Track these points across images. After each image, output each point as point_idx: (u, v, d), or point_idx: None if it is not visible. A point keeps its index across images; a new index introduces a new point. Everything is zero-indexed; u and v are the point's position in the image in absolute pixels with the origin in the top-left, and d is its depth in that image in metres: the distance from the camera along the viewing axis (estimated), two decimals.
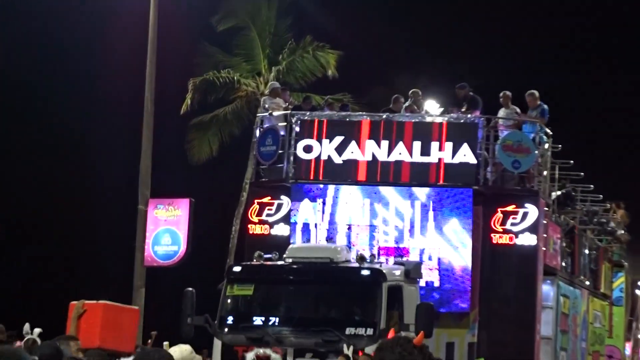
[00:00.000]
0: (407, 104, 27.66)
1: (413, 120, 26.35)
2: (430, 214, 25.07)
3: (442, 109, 28.85)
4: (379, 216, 25.27)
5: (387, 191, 25.39)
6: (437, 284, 24.83)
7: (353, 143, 25.70)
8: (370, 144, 25.68)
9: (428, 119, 26.90)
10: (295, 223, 25.59)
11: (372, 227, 25.24)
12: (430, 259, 24.90)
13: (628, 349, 51.06)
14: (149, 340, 23.18)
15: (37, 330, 14.47)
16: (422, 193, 25.26)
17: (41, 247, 43.93)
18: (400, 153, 25.57)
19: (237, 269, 22.68)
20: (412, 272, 22.52)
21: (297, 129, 26.30)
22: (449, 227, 24.99)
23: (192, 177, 40.11)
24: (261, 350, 12.85)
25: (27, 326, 15.80)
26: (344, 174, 25.82)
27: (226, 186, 40.07)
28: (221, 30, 39.48)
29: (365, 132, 25.95)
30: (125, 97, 37.56)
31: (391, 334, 7.24)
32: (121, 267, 33.13)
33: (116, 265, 35.91)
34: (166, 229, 31.14)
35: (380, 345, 6.62)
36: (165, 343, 16.19)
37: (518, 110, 27.33)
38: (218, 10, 39.40)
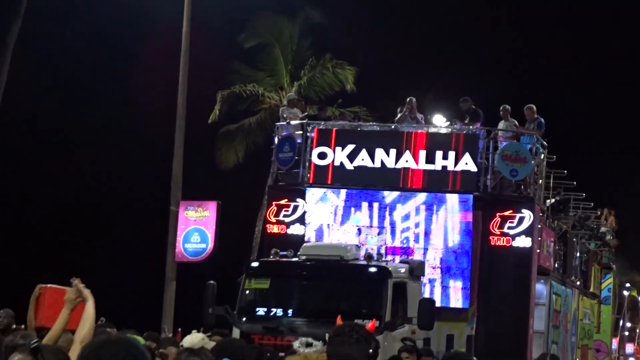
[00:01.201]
0: (402, 113, 27.36)
1: (419, 131, 26.04)
2: (434, 217, 24.87)
3: (447, 122, 28.43)
4: (386, 219, 25.07)
5: (394, 196, 25.19)
6: (439, 281, 24.61)
7: (363, 151, 25.56)
8: (379, 152, 25.50)
9: (432, 130, 26.49)
10: (309, 224, 25.43)
11: (380, 229, 25.04)
12: (433, 258, 24.66)
13: (615, 344, 51.03)
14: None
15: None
16: (426, 197, 25.05)
17: (82, 243, 43.76)
18: (407, 161, 25.43)
19: (254, 264, 22.49)
20: (416, 270, 22.34)
21: (313, 136, 26.07)
22: (450, 230, 24.80)
23: (219, 181, 39.89)
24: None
25: None
26: (354, 179, 25.64)
27: (250, 190, 39.78)
28: (247, 48, 39.35)
29: (375, 141, 25.78)
30: (160, 107, 37.33)
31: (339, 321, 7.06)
32: (154, 263, 32.89)
33: (150, 261, 35.66)
34: (195, 228, 31.05)
35: (336, 331, 6.38)
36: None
37: (516, 122, 27.15)
38: (245, 29, 39.22)
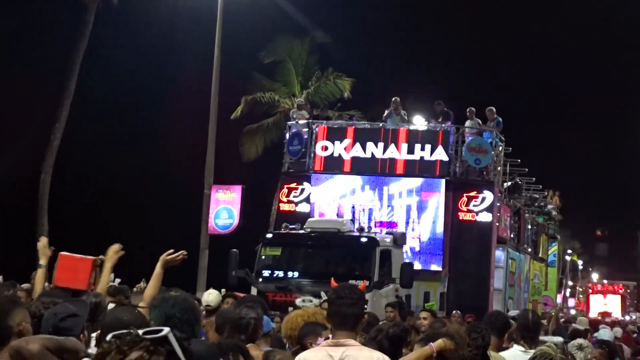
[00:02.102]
0: (389, 110, 27.00)
1: (402, 128, 25.76)
2: (414, 197, 24.81)
3: (425, 121, 28.04)
4: (375, 198, 24.98)
5: (382, 180, 25.12)
6: (417, 249, 24.55)
7: (357, 144, 25.47)
8: (369, 145, 25.38)
9: (412, 127, 26.19)
10: (314, 203, 25.32)
11: (371, 207, 24.93)
12: (413, 230, 24.54)
13: (559, 298, 50.92)
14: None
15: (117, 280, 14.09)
16: (408, 181, 24.97)
17: (131, 219, 43.42)
18: (392, 152, 25.29)
19: (269, 235, 22.27)
20: (399, 239, 22.17)
21: (317, 133, 25.95)
22: (427, 207, 24.72)
23: (244, 169, 39.48)
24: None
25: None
26: (350, 167, 25.48)
27: (269, 177, 39.48)
28: (266, 63, 38.95)
29: (366, 137, 25.66)
30: (196, 110, 36.94)
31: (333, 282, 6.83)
32: (191, 235, 32.56)
33: (187, 234, 35.29)
34: (224, 207, 30.80)
35: (337, 292, 6.01)
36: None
37: (479, 121, 26.77)
38: (264, 48, 38.88)
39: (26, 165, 36.95)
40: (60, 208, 37.14)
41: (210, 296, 11.54)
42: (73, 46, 34.49)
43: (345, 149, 25.44)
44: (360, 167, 25.26)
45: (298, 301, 11.50)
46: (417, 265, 23.14)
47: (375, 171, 25.11)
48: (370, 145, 25.29)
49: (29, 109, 41.12)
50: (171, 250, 7.91)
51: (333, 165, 25.49)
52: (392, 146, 25.15)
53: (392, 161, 25.15)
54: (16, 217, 38.83)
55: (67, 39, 35.90)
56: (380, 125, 26.48)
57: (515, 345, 8.50)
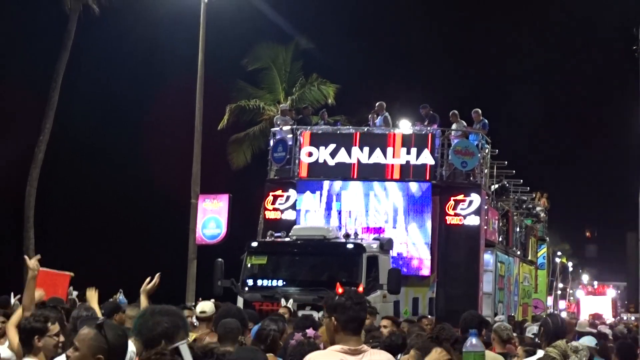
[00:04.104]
0: (371, 114, 26.72)
1: (387, 132, 25.42)
2: (400, 201, 24.39)
3: (411, 125, 27.70)
4: (362, 205, 24.56)
5: (367, 185, 24.70)
6: (405, 254, 24.13)
7: (342, 149, 25.10)
8: (355, 150, 25.04)
9: (398, 131, 25.82)
10: (300, 210, 24.92)
11: (357, 213, 24.55)
12: (400, 235, 24.08)
13: (549, 300, 50.74)
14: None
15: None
16: (394, 186, 24.58)
17: (118, 231, 43.11)
18: (378, 157, 24.94)
19: (254, 244, 21.79)
20: (386, 245, 21.76)
21: (301, 139, 25.57)
22: (414, 211, 24.31)
23: (232, 178, 39.16)
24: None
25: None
26: (336, 173, 25.06)
27: (256, 185, 39.14)
28: (250, 70, 38.62)
29: (351, 142, 25.25)
30: (180, 119, 36.62)
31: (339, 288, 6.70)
32: (179, 246, 32.31)
33: (175, 244, 34.96)
34: (212, 217, 30.69)
35: (353, 298, 5.91)
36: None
37: (465, 123, 26.36)
38: (247, 55, 38.55)
39: (11, 178, 36.59)
40: (47, 220, 36.74)
41: (206, 305, 11.37)
42: (56, 57, 34.16)
43: (330, 154, 25.05)
44: (346, 172, 24.90)
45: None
46: (405, 271, 22.78)
47: (361, 176, 24.75)
48: (355, 150, 24.93)
49: (13, 122, 40.69)
50: (147, 280, 8.65)
51: (318, 171, 25.11)
52: (378, 151, 24.79)
53: (378, 166, 24.78)
54: (2, 230, 38.43)
55: (49, 50, 35.58)
56: (365, 130, 26.10)
57: (539, 351, 8.42)
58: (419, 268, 24.06)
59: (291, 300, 18.00)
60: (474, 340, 5.35)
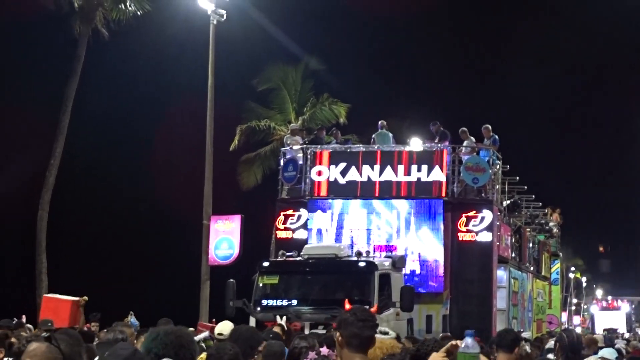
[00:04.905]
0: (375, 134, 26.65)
1: (398, 150, 25.24)
2: (412, 219, 24.27)
3: (422, 143, 27.51)
4: (373, 222, 24.47)
5: (379, 203, 24.56)
6: (418, 271, 23.96)
7: (353, 168, 24.93)
8: (365, 168, 24.85)
9: (407, 148, 25.63)
10: (311, 229, 24.80)
11: (369, 231, 24.45)
12: (412, 253, 23.95)
13: (564, 316, 50.39)
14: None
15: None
16: (405, 204, 24.45)
17: (130, 253, 42.97)
18: (389, 174, 24.71)
19: (265, 264, 21.64)
20: (398, 263, 21.64)
21: (312, 158, 25.46)
22: (426, 229, 24.20)
23: (243, 199, 39.07)
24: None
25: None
26: (346, 191, 24.87)
27: (268, 205, 39.05)
28: (260, 90, 38.53)
29: (362, 160, 25.09)
30: (192, 141, 36.59)
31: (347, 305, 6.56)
32: (191, 267, 32.23)
33: (187, 265, 34.87)
34: (224, 237, 30.50)
35: (359, 316, 5.79)
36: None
37: (474, 140, 26.16)
38: (258, 75, 38.45)
39: (23, 203, 36.55)
40: (59, 244, 36.66)
41: (224, 326, 11.21)
42: (65, 82, 34.13)
43: (341, 173, 24.86)
44: (357, 190, 24.70)
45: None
46: (418, 288, 22.59)
47: (372, 194, 24.55)
48: (366, 168, 24.73)
49: (24, 146, 40.72)
50: None
51: (329, 190, 24.94)
52: (389, 168, 24.61)
53: (389, 183, 24.60)
54: (14, 254, 38.36)
55: (58, 74, 35.56)
56: (376, 147, 25.95)
57: None
58: (431, 285, 23.87)
59: (285, 318, 17.97)
60: (469, 340, 5.20)
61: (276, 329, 13.25)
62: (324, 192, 24.98)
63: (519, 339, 8.57)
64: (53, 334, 4.95)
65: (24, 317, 21.12)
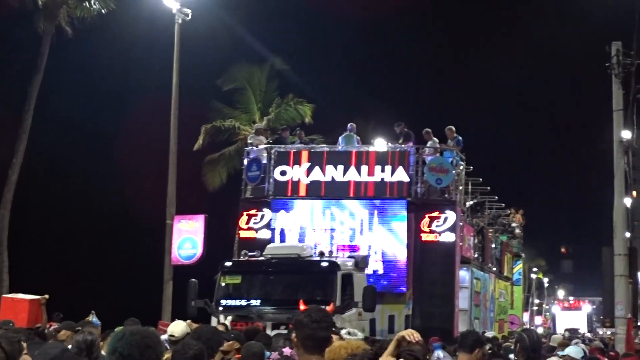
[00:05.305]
0: (342, 136, 26.60)
1: (361, 150, 25.15)
2: (376, 219, 24.17)
3: (387, 144, 27.46)
4: (337, 222, 24.33)
5: (342, 203, 24.45)
6: (381, 271, 23.86)
7: (316, 168, 24.81)
8: (329, 168, 24.76)
9: (371, 149, 25.57)
10: (274, 229, 24.65)
11: (332, 230, 24.32)
12: (375, 253, 23.89)
13: (526, 316, 50.60)
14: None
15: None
16: (369, 204, 24.35)
17: (92, 252, 42.65)
18: (352, 174, 24.64)
19: (228, 264, 21.46)
20: (361, 263, 21.60)
21: (274, 158, 25.29)
22: (389, 229, 24.08)
23: (208, 199, 38.84)
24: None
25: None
26: (310, 191, 24.80)
27: (232, 205, 38.87)
28: (225, 90, 38.36)
29: (325, 160, 24.99)
30: (155, 140, 36.30)
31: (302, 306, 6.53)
32: (154, 267, 31.95)
33: (150, 265, 34.61)
34: (187, 237, 30.17)
35: (312, 317, 5.77)
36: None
37: (437, 141, 26.06)
38: (223, 75, 38.26)
39: None
40: (20, 243, 36.27)
41: (176, 327, 10.92)
42: (29, 80, 33.77)
43: (305, 172, 24.77)
44: (320, 190, 24.62)
45: (343, 332, 10.84)
46: (380, 288, 22.49)
47: (336, 194, 24.46)
48: (329, 168, 24.65)
49: None
50: None
51: (292, 190, 24.82)
52: (352, 168, 24.54)
53: (353, 184, 24.50)
54: None
55: (21, 72, 35.18)
56: (339, 148, 25.87)
57: None
58: (394, 285, 23.78)
59: (229, 318, 17.84)
60: (440, 353, 5.12)
61: (220, 328, 13.11)
62: (287, 192, 24.84)
63: (481, 340, 8.50)
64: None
65: None
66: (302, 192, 24.75)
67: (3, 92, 39.93)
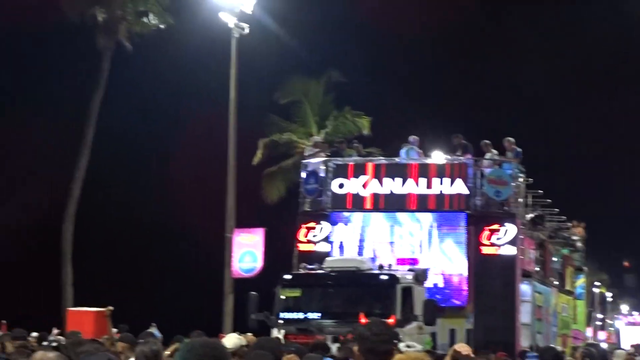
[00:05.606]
0: (404, 149, 26.41)
1: (420, 162, 25.15)
2: (435, 232, 24.08)
3: (445, 156, 27.24)
4: (396, 235, 24.26)
5: (401, 216, 24.42)
6: (441, 285, 23.75)
7: (374, 180, 24.67)
8: (387, 181, 24.65)
9: (429, 161, 25.50)
10: (333, 242, 24.61)
11: (391, 244, 24.24)
12: (435, 266, 23.64)
13: (589, 331, 49.81)
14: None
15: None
16: (428, 217, 24.27)
17: (153, 265, 42.95)
18: (411, 187, 24.50)
19: (287, 277, 21.60)
20: (420, 276, 21.43)
21: (333, 170, 25.30)
22: (449, 242, 24.00)
23: (267, 212, 38.90)
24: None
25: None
26: (368, 203, 24.71)
27: (291, 218, 38.90)
28: (282, 104, 38.48)
29: (384, 172, 24.89)
30: (213, 152, 36.50)
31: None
32: (214, 280, 32.14)
33: (211, 278, 34.78)
34: (247, 250, 30.42)
35: (373, 330, 5.80)
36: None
37: (497, 153, 25.82)
38: (279, 89, 38.36)
39: (49, 215, 36.62)
40: (83, 256, 36.68)
41: (229, 339, 10.94)
42: (90, 95, 34.24)
43: (363, 185, 24.68)
44: (379, 203, 24.52)
45: (402, 346, 10.82)
46: (441, 301, 22.33)
47: (395, 207, 24.35)
48: (387, 181, 24.53)
49: (49, 160, 40.79)
50: None
51: (351, 203, 24.72)
52: (411, 181, 24.42)
53: (412, 196, 24.37)
54: (40, 265, 38.44)
55: (82, 87, 35.64)
56: (397, 160, 25.80)
57: None
58: (455, 299, 23.61)
59: (282, 331, 17.81)
60: None
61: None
62: (345, 205, 24.77)
63: (560, 356, 8.37)
64: (62, 344, 4.85)
65: (54, 329, 21.05)
66: (361, 204, 24.65)
67: (64, 107, 40.48)
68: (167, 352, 10.69)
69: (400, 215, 24.29)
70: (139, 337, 12.14)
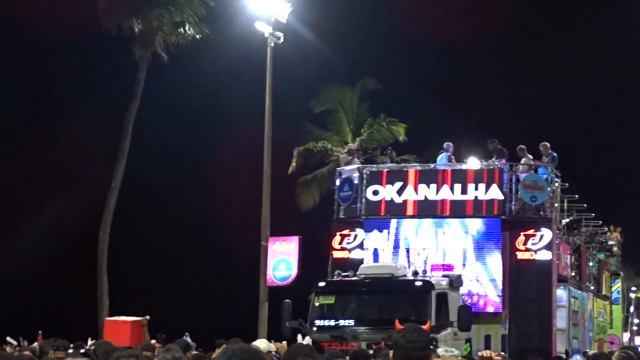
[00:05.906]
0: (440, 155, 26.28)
1: (453, 168, 25.02)
2: (469, 238, 23.83)
3: (480, 162, 27.11)
4: (430, 241, 24.04)
5: (436, 222, 24.20)
6: (476, 291, 23.50)
7: (409, 187, 24.54)
8: (421, 187, 24.49)
9: (464, 167, 25.38)
10: (367, 248, 24.49)
11: (425, 250, 23.99)
12: (470, 272, 23.44)
13: (625, 336, 49.33)
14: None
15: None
16: (463, 223, 24.03)
17: (189, 274, 43.07)
18: (445, 193, 24.33)
19: (322, 284, 21.50)
20: (455, 282, 21.30)
21: (367, 177, 25.12)
22: (484, 248, 23.74)
23: (302, 220, 38.91)
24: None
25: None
26: (402, 210, 24.56)
27: (325, 226, 38.87)
28: (317, 112, 38.45)
29: (418, 178, 24.72)
30: (248, 160, 36.61)
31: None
32: (249, 288, 32.15)
33: (245, 286, 34.82)
34: (282, 258, 30.31)
35: (406, 331, 5.86)
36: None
37: (532, 157, 25.67)
38: (314, 97, 38.34)
39: (84, 225, 36.83)
40: (119, 266, 36.86)
41: (259, 344, 10.94)
42: (126, 105, 34.38)
43: (397, 192, 24.55)
44: (413, 209, 24.39)
45: (440, 351, 10.77)
46: (476, 308, 22.27)
47: (429, 213, 24.22)
48: (422, 187, 24.41)
49: (85, 169, 41.11)
50: None
51: (386, 210, 24.61)
52: (445, 187, 24.27)
53: (446, 202, 24.22)
54: (76, 276, 38.64)
55: (118, 98, 35.85)
56: (432, 166, 25.69)
57: None
58: (490, 305, 23.43)
59: (308, 338, 17.74)
60: (578, 358, 5.02)
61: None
62: (380, 212, 24.67)
63: None
64: (92, 350, 4.82)
65: (90, 340, 21.15)
66: (395, 211, 24.53)
67: (100, 118, 40.76)
68: (214, 356, 10.74)
69: (434, 222, 24.12)
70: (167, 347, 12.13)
